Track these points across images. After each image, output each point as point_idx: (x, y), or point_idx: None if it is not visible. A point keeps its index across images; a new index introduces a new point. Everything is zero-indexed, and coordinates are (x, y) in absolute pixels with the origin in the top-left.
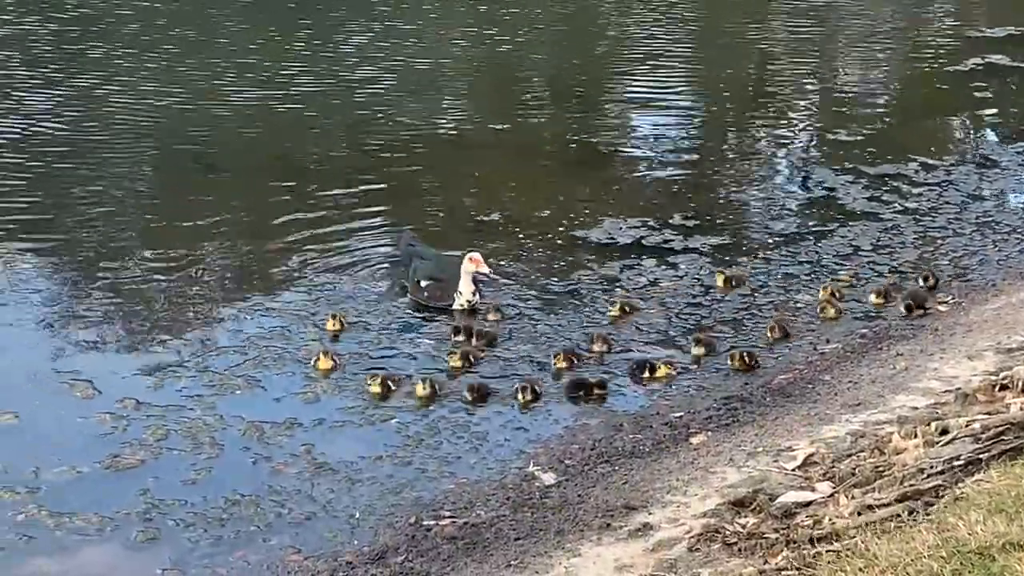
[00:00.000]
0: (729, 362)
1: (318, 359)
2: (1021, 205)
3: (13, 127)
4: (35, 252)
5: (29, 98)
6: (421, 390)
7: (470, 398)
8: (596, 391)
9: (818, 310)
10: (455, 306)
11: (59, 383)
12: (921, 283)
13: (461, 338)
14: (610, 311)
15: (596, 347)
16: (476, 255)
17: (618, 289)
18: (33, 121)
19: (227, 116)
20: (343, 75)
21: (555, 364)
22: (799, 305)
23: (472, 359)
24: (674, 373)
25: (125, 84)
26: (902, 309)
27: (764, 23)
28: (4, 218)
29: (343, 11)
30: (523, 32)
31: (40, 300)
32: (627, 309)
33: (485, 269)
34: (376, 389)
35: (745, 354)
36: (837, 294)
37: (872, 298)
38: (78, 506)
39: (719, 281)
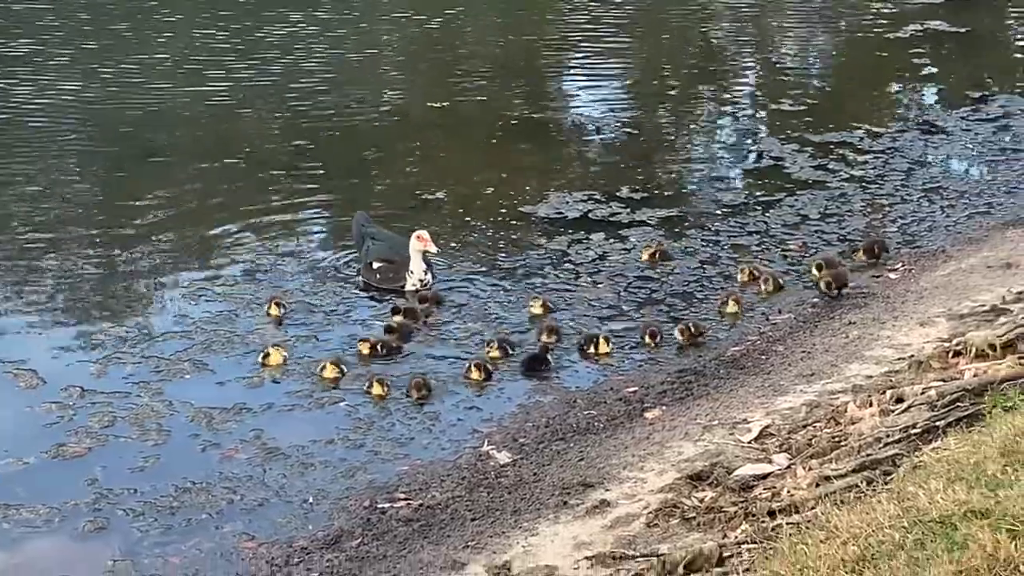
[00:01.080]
0: (678, 336)
1: (267, 355)
2: (967, 170)
3: None
4: None
5: None
6: (377, 389)
7: (415, 395)
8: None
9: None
10: (407, 287)
11: (2, 372)
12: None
13: (398, 319)
14: (531, 308)
15: (544, 338)
16: (423, 233)
17: (554, 274)
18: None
19: (165, 104)
20: (280, 59)
21: (488, 353)
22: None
23: (381, 348)
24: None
25: (61, 73)
26: (823, 288)
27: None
28: None
29: None
30: (461, 10)
31: None
32: (549, 306)
33: (432, 247)
34: (329, 375)
35: (691, 326)
36: (756, 272)
37: (814, 272)
38: (25, 497)
39: (645, 256)
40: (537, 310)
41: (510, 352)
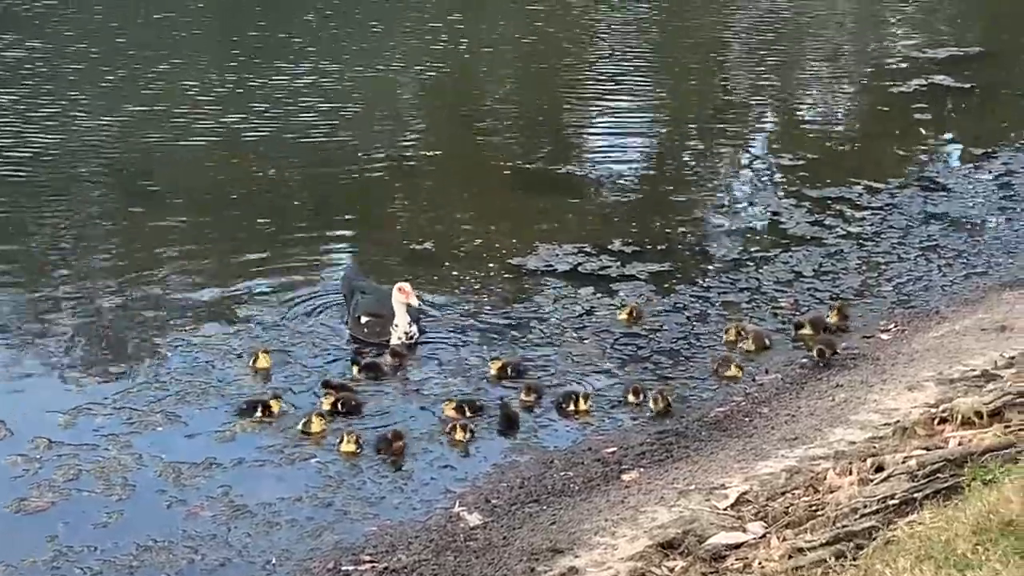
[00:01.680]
0: (651, 404)
1: (268, 406)
2: (966, 229)
3: None
4: None
5: None
6: (346, 445)
7: (380, 448)
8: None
9: (715, 368)
10: (392, 340)
11: None
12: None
13: (362, 376)
14: (490, 368)
15: (524, 396)
16: (404, 285)
17: (511, 336)
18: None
19: (163, 144)
20: (285, 101)
21: (444, 410)
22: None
23: (341, 406)
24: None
25: (66, 113)
26: (815, 355)
27: (714, 51)
28: None
29: (291, 35)
30: (470, 58)
31: None
32: (508, 370)
33: (414, 300)
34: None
35: (662, 395)
36: (743, 332)
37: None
38: None
39: (622, 315)
40: (494, 372)
41: (466, 413)
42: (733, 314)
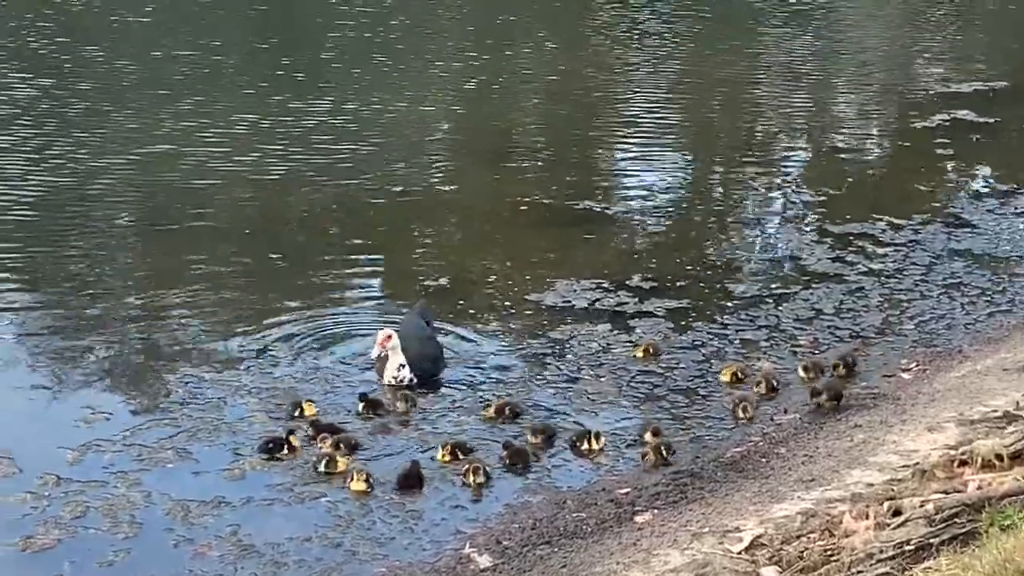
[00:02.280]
0: (650, 455)
1: (289, 443)
2: (990, 266)
3: None
4: None
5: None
6: (356, 484)
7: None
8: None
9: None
10: (384, 380)
11: None
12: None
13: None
14: (486, 411)
15: (531, 439)
16: (381, 334)
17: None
18: (34, 175)
19: (184, 179)
20: (307, 135)
21: (439, 456)
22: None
23: (342, 446)
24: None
25: (84, 150)
26: (824, 403)
27: (738, 86)
28: None
29: (312, 70)
30: (491, 91)
31: None
32: (506, 411)
33: (374, 352)
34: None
35: (664, 448)
36: (740, 374)
37: (800, 373)
38: None
39: (638, 353)
40: (491, 414)
41: (459, 456)
42: (751, 352)
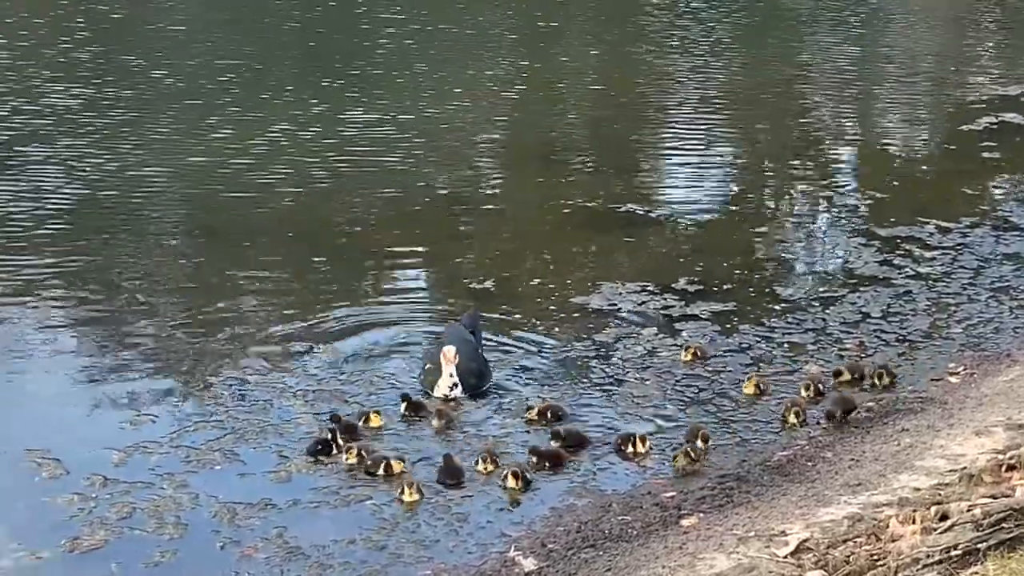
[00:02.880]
0: (681, 460)
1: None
2: None
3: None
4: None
5: (70, 157)
6: (408, 495)
7: (448, 482)
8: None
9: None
10: (435, 394)
11: (27, 461)
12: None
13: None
14: (528, 414)
15: (553, 444)
16: (448, 350)
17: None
18: (79, 183)
19: (231, 182)
20: (353, 137)
21: (479, 466)
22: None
23: (365, 454)
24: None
25: (131, 154)
26: (824, 417)
27: (787, 89)
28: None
29: (358, 73)
30: (538, 94)
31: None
32: (548, 414)
33: (451, 369)
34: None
35: (691, 451)
36: (762, 386)
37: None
38: None
39: (686, 356)
40: (533, 416)
41: (498, 465)
42: (798, 355)
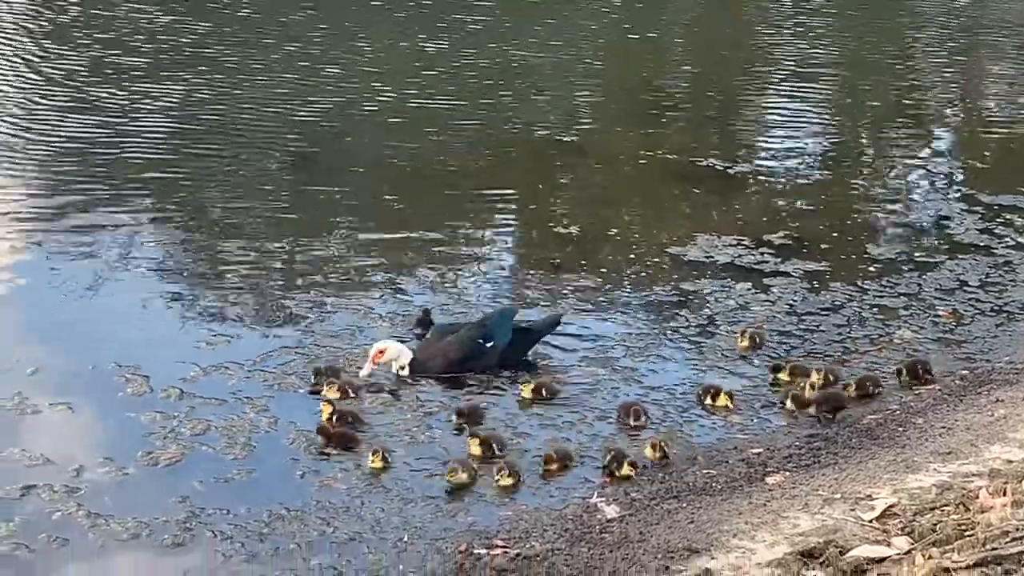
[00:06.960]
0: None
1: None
2: None
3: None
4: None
5: (169, 91)
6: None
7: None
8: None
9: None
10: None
11: (115, 377)
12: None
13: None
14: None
15: (632, 421)
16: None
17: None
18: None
19: (329, 116)
20: (454, 76)
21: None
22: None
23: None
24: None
25: (231, 88)
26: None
27: (903, 48)
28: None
29: (462, 14)
30: (641, 46)
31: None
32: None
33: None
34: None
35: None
36: (757, 339)
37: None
38: (116, 509)
39: (743, 342)
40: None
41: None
42: (889, 319)
